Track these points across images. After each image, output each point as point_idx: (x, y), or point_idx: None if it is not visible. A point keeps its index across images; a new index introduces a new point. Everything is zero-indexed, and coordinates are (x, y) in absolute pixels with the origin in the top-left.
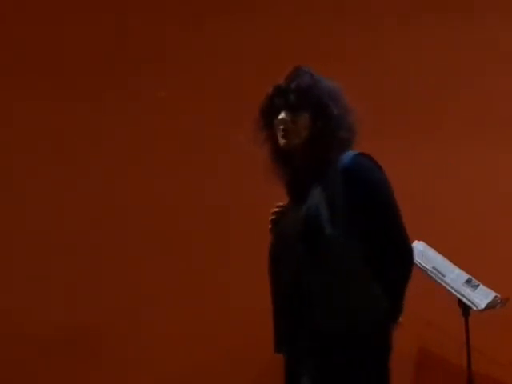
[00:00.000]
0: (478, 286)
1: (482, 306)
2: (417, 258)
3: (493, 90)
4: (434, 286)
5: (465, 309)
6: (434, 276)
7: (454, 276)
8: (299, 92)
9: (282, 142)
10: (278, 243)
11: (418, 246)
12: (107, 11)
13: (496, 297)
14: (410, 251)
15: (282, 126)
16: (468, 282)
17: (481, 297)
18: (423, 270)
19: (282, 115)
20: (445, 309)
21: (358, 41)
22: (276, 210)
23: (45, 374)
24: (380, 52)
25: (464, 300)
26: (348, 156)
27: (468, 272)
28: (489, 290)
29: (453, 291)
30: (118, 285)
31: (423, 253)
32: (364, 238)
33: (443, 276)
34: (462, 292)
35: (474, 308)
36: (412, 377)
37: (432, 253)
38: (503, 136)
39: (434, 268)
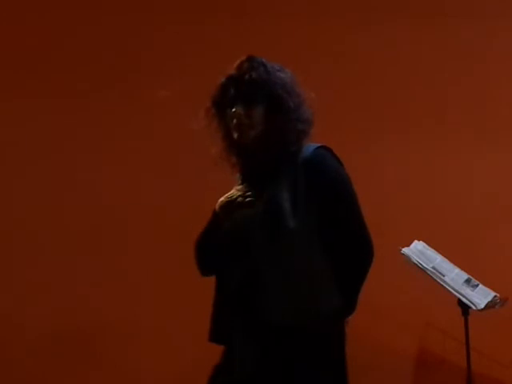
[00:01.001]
0: (477, 285)
1: (482, 305)
2: (416, 258)
3: (493, 89)
4: (433, 285)
5: (464, 308)
6: (433, 276)
7: (453, 276)
8: (253, 85)
9: (236, 135)
10: (234, 233)
11: (418, 246)
12: (107, 11)
13: (495, 296)
14: (370, 244)
15: (235, 120)
16: (467, 281)
17: (480, 296)
18: (423, 270)
19: (235, 108)
20: (444, 309)
21: (358, 40)
22: (227, 199)
23: (45, 374)
24: (380, 52)
25: (463, 300)
26: (309, 148)
27: (467, 272)
28: (488, 290)
29: (452, 291)
30: (117, 285)
31: (423, 253)
32: (324, 230)
33: (443, 276)
34: (462, 292)
35: (474, 308)
36: (412, 377)
37: (432, 253)
38: (504, 136)
39: (433, 268)
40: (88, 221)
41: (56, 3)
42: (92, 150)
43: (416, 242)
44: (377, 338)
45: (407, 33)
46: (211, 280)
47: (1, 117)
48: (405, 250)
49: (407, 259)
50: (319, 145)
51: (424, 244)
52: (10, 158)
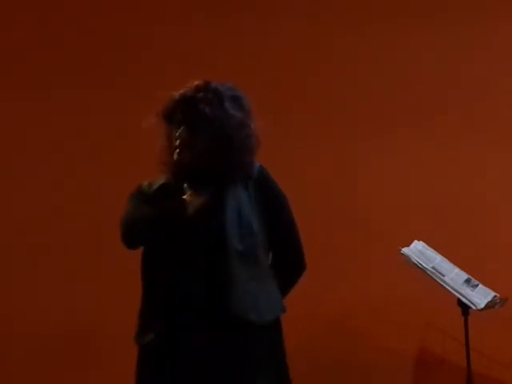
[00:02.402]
0: (477, 285)
1: (482, 305)
2: (416, 258)
3: (493, 89)
4: (433, 285)
5: (464, 308)
6: (433, 276)
7: (453, 276)
8: (205, 118)
9: (175, 156)
10: (189, 238)
11: (418, 246)
12: (107, 11)
13: (495, 296)
14: (303, 257)
15: (178, 141)
16: (467, 281)
17: (480, 296)
18: (423, 270)
19: (181, 130)
20: (444, 308)
21: (358, 40)
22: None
23: (45, 374)
24: (380, 52)
25: (463, 300)
26: (255, 167)
27: (467, 272)
28: (488, 290)
29: (452, 291)
30: (117, 284)
31: (423, 253)
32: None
33: (443, 276)
34: (462, 292)
35: (474, 307)
36: (412, 377)
37: (431, 253)
38: (504, 136)
39: (433, 268)
40: (88, 221)
41: (56, 3)
42: (92, 150)
43: (416, 241)
44: (377, 338)
45: (407, 33)
46: None
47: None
48: (405, 250)
49: (407, 259)
50: (259, 164)
51: (424, 244)
52: (10, 158)
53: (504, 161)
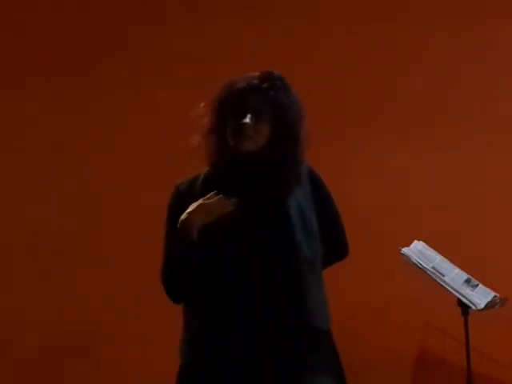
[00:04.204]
0: (477, 285)
1: (482, 305)
2: (416, 258)
3: (493, 89)
4: (433, 285)
5: (464, 308)
6: (433, 276)
7: (453, 276)
8: (272, 105)
9: (235, 143)
10: (247, 240)
11: (418, 246)
12: (107, 11)
13: (495, 296)
14: (347, 249)
15: (243, 130)
16: (467, 281)
17: (480, 296)
18: (423, 270)
19: (247, 119)
20: (444, 308)
21: (358, 40)
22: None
23: (45, 374)
24: (380, 52)
25: (463, 300)
26: (305, 167)
27: (467, 272)
28: (488, 290)
29: (452, 291)
30: (118, 285)
31: (423, 253)
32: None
33: (442, 276)
34: (462, 292)
35: (474, 307)
36: (412, 377)
37: (431, 253)
38: (504, 136)
39: (433, 268)
40: (88, 220)
41: (56, 3)
42: (92, 151)
43: (416, 241)
44: (377, 338)
45: (407, 33)
46: None
47: (0, 117)
48: (405, 249)
49: (407, 259)
50: (307, 164)
51: (424, 244)
52: (11, 158)
53: (504, 161)
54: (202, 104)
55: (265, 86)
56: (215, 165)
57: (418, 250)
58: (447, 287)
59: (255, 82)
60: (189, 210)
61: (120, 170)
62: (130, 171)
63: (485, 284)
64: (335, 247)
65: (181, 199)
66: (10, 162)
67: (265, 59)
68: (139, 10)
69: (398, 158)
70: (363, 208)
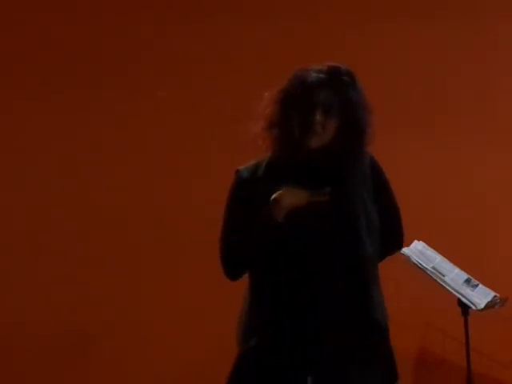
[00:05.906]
0: (477, 285)
1: (482, 305)
2: (416, 258)
3: (493, 89)
4: (433, 285)
5: (464, 308)
6: (433, 276)
7: (453, 276)
8: (343, 101)
9: (301, 137)
10: (313, 232)
11: (418, 246)
12: (107, 11)
13: (495, 296)
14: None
15: (311, 126)
16: (467, 281)
17: (480, 296)
18: (423, 270)
19: (318, 116)
20: (444, 308)
21: (358, 40)
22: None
23: (45, 374)
24: (379, 52)
25: (463, 300)
26: (367, 157)
27: (467, 272)
28: (488, 290)
29: (452, 291)
30: (117, 285)
31: (423, 253)
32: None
33: (443, 276)
34: (462, 292)
35: (474, 307)
36: (412, 377)
37: (431, 253)
38: (504, 136)
39: (433, 268)
40: (88, 220)
41: (56, 3)
42: (92, 151)
43: (416, 241)
44: None
45: (407, 33)
46: (211, 279)
47: (0, 117)
48: (405, 249)
49: (407, 259)
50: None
51: (424, 244)
52: (11, 158)
53: (504, 161)
54: (266, 94)
55: (333, 81)
56: (279, 159)
57: (417, 250)
58: (447, 287)
59: (323, 76)
60: (281, 192)
61: (120, 169)
62: (130, 171)
63: (485, 284)
64: (393, 239)
65: (244, 184)
66: (10, 162)
67: (265, 59)
68: (139, 9)
69: (397, 157)
70: None
